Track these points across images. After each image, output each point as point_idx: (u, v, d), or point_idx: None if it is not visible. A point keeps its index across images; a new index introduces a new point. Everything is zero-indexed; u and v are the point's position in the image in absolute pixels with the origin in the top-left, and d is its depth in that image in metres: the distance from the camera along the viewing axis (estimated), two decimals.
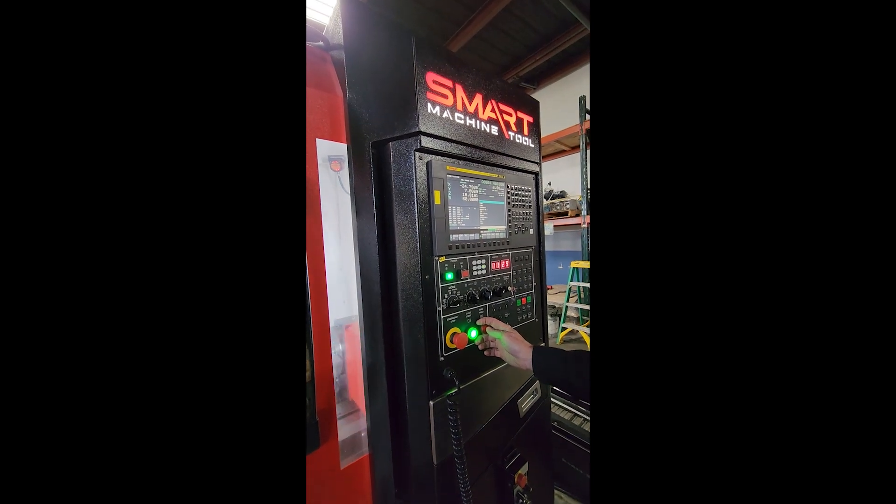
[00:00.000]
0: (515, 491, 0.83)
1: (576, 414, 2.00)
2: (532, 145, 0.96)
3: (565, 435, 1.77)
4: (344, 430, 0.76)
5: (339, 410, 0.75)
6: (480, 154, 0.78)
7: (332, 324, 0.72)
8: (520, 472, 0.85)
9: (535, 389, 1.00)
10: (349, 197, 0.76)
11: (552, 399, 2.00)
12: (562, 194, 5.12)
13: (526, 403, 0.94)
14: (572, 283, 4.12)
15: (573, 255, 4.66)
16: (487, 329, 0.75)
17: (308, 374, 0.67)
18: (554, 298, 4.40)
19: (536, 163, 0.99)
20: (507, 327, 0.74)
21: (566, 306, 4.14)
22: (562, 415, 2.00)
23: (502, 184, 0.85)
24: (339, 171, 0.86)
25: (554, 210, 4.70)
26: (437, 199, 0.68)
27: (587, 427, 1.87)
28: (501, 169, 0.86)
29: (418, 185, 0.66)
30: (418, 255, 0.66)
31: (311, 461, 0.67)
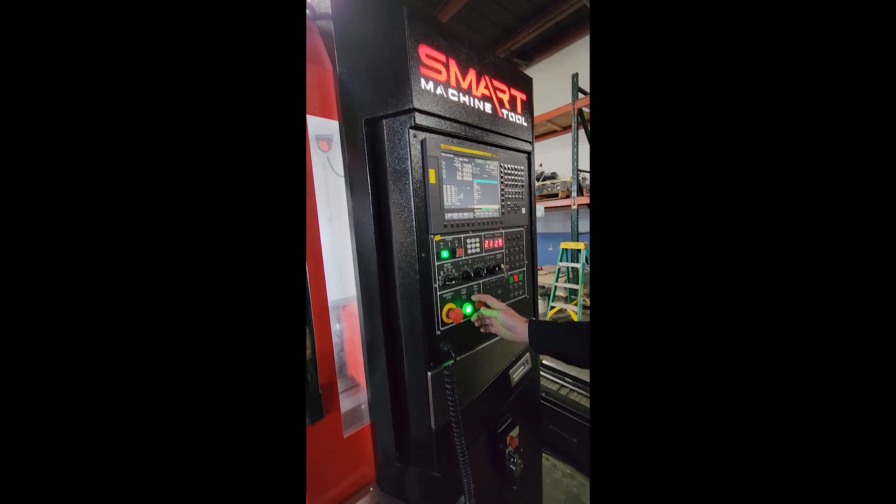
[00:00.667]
0: (507, 451, 0.90)
1: (562, 385, 2.13)
2: (525, 124, 0.96)
3: (552, 404, 1.90)
4: (345, 403, 0.80)
5: (339, 386, 0.78)
6: (474, 132, 0.78)
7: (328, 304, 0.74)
8: (511, 434, 0.92)
9: (526, 361, 1.05)
10: (339, 178, 0.75)
11: (541, 371, 2.11)
12: (553, 175, 5.11)
13: (517, 374, 1.00)
14: (561, 264, 4.22)
15: (563, 237, 4.74)
16: (483, 308, 0.78)
17: (309, 351, 0.69)
18: (544, 279, 4.51)
19: (529, 142, 0.99)
20: (502, 305, 0.78)
21: (555, 286, 4.26)
22: (549, 385, 2.12)
23: (496, 163, 0.86)
24: (328, 151, 0.84)
25: (545, 192, 4.72)
26: (431, 178, 0.68)
27: (573, 397, 2.00)
28: (495, 148, 0.86)
29: (413, 163, 0.65)
30: (414, 233, 0.67)
31: (315, 431, 0.71)
